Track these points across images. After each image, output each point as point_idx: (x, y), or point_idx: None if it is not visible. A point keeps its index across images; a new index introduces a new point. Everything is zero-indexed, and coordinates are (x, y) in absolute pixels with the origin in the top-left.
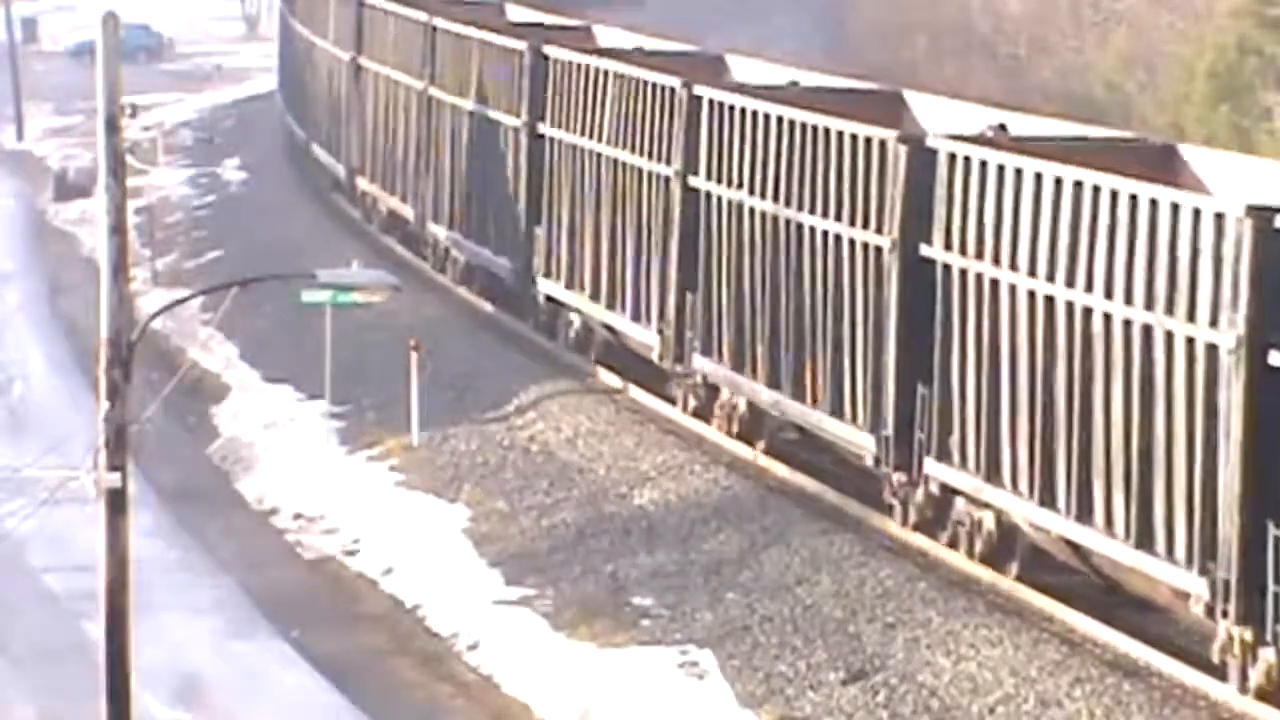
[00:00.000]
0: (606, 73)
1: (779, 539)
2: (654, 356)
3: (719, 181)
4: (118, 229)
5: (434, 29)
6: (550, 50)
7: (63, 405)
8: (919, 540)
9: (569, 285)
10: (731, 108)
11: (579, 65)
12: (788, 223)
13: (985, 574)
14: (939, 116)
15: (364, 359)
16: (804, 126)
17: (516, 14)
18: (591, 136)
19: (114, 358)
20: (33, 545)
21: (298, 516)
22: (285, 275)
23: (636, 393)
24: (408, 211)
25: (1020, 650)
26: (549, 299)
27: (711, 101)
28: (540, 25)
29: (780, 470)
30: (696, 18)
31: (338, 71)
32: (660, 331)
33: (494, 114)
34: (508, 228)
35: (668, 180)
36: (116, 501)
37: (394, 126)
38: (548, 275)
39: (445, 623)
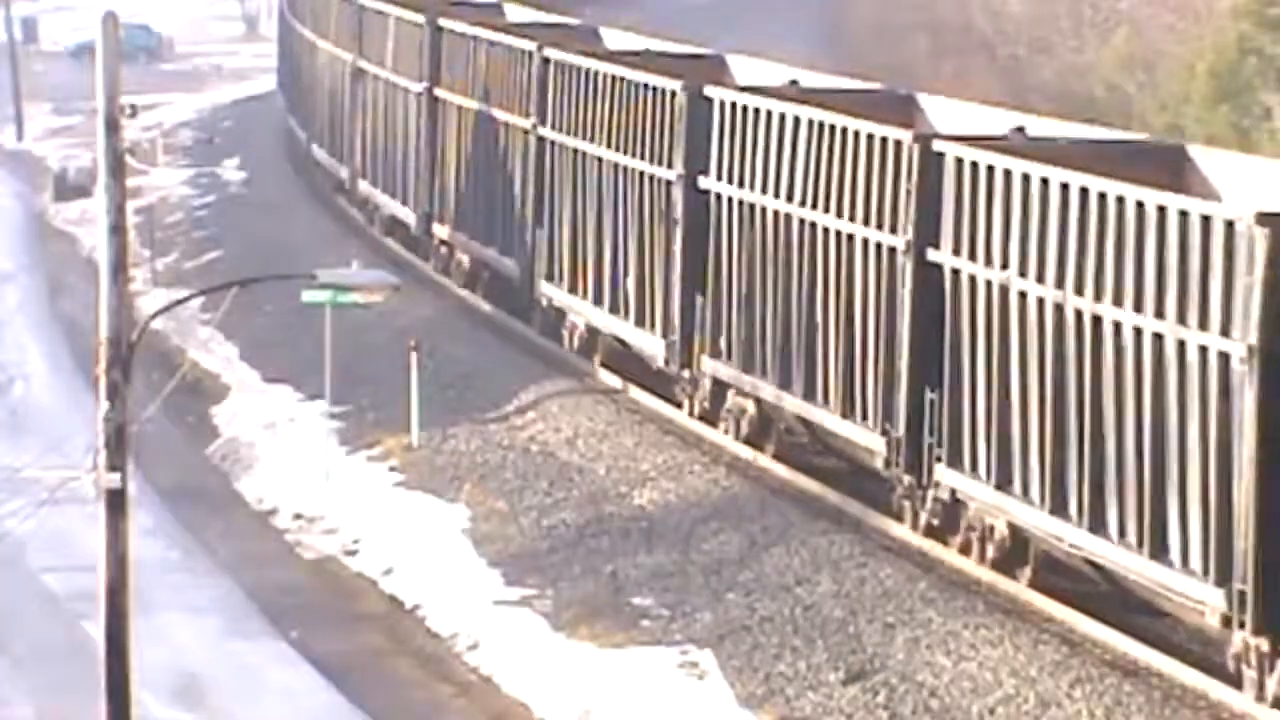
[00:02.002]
0: (606, 75)
1: (779, 539)
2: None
3: (729, 182)
4: (118, 229)
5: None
6: (550, 53)
7: (63, 405)
8: (919, 540)
9: (572, 290)
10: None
11: (579, 68)
12: (801, 222)
13: (986, 574)
14: (951, 118)
15: (364, 359)
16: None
17: (516, 14)
18: (592, 140)
19: (114, 358)
20: (33, 545)
21: (297, 516)
22: (285, 275)
23: (638, 393)
24: (409, 217)
25: (1020, 650)
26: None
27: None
28: (546, 26)
29: (780, 470)
30: (695, 18)
31: (340, 74)
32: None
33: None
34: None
35: (669, 184)
36: (116, 501)
37: (393, 130)
38: (550, 279)
39: (445, 623)
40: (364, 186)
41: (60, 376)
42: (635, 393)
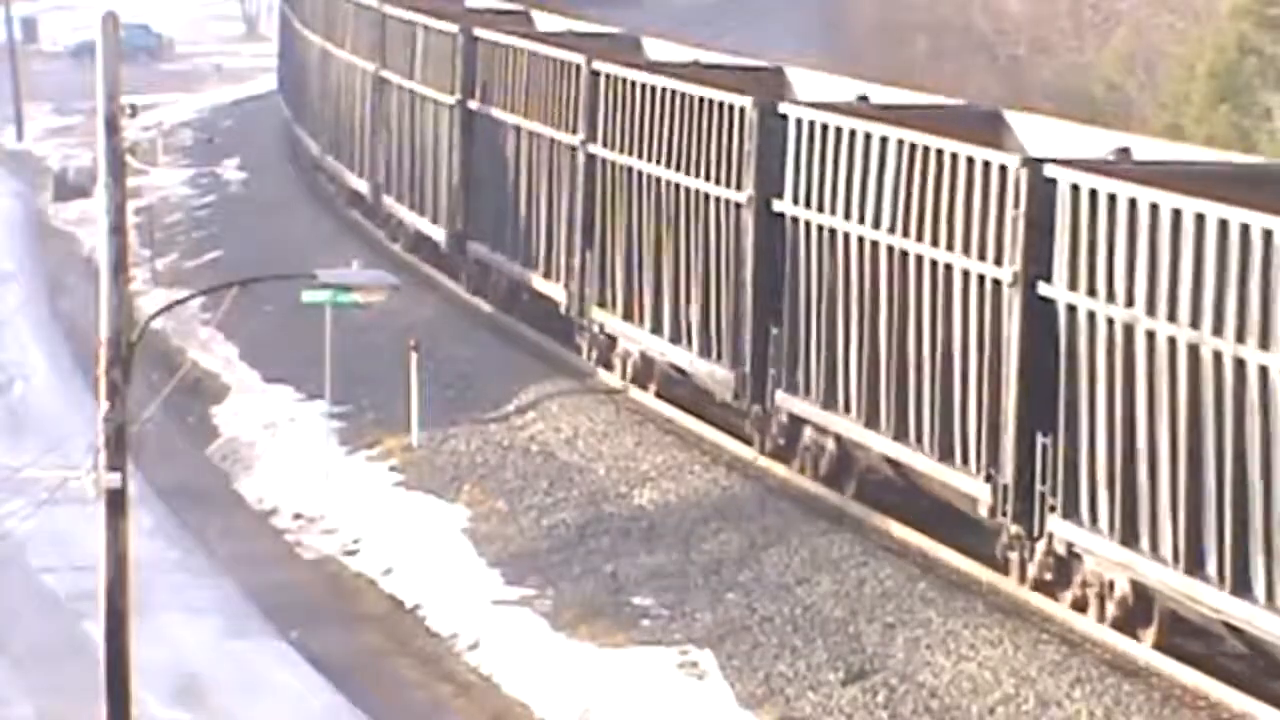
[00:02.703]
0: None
1: (779, 539)
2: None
3: (808, 206)
4: (118, 229)
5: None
6: (601, 65)
7: (63, 405)
8: (919, 541)
9: (627, 316)
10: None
11: (634, 82)
12: (890, 250)
13: (986, 574)
14: (1043, 137)
15: (364, 359)
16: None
17: (544, 21)
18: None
19: (114, 358)
20: (33, 545)
21: (297, 516)
22: (285, 275)
23: (637, 393)
24: (438, 235)
25: (1020, 650)
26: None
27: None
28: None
29: (780, 470)
30: (694, 19)
31: (361, 85)
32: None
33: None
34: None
35: (739, 206)
36: (116, 501)
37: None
38: (602, 305)
39: (445, 623)
40: (388, 202)
41: (60, 376)
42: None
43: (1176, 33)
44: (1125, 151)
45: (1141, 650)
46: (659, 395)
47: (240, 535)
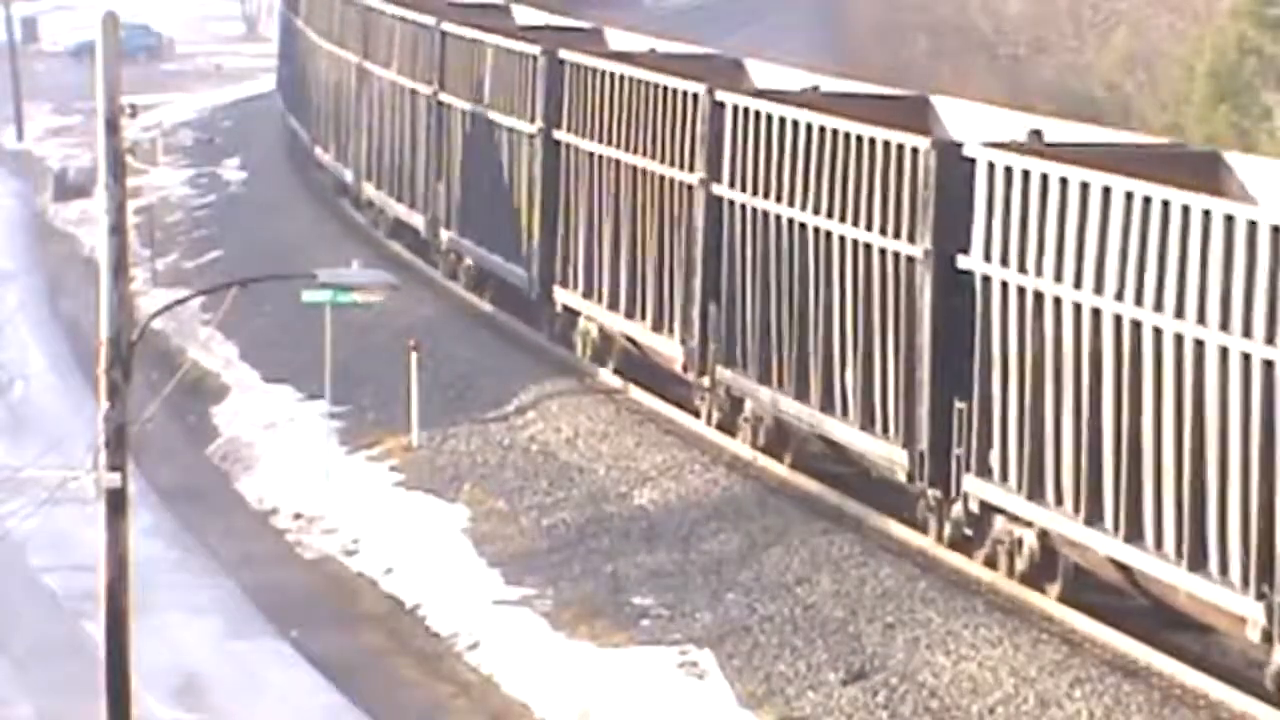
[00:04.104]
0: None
1: (779, 539)
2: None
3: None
4: (118, 229)
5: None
6: (726, 97)
7: (63, 405)
8: (919, 540)
9: (763, 380)
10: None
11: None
12: (1117, 318)
13: (985, 574)
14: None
15: (364, 359)
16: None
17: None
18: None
19: (114, 358)
20: (33, 545)
21: (297, 516)
22: (285, 275)
23: (637, 393)
24: (520, 279)
25: (1020, 650)
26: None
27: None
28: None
29: (780, 470)
30: (694, 19)
31: (404, 105)
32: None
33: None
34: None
35: (912, 261)
36: (116, 501)
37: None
38: (729, 364)
39: (445, 623)
40: (447, 237)
41: (60, 376)
42: (636, 392)
43: (1176, 33)
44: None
45: (1142, 650)
46: (793, 466)
47: (240, 535)
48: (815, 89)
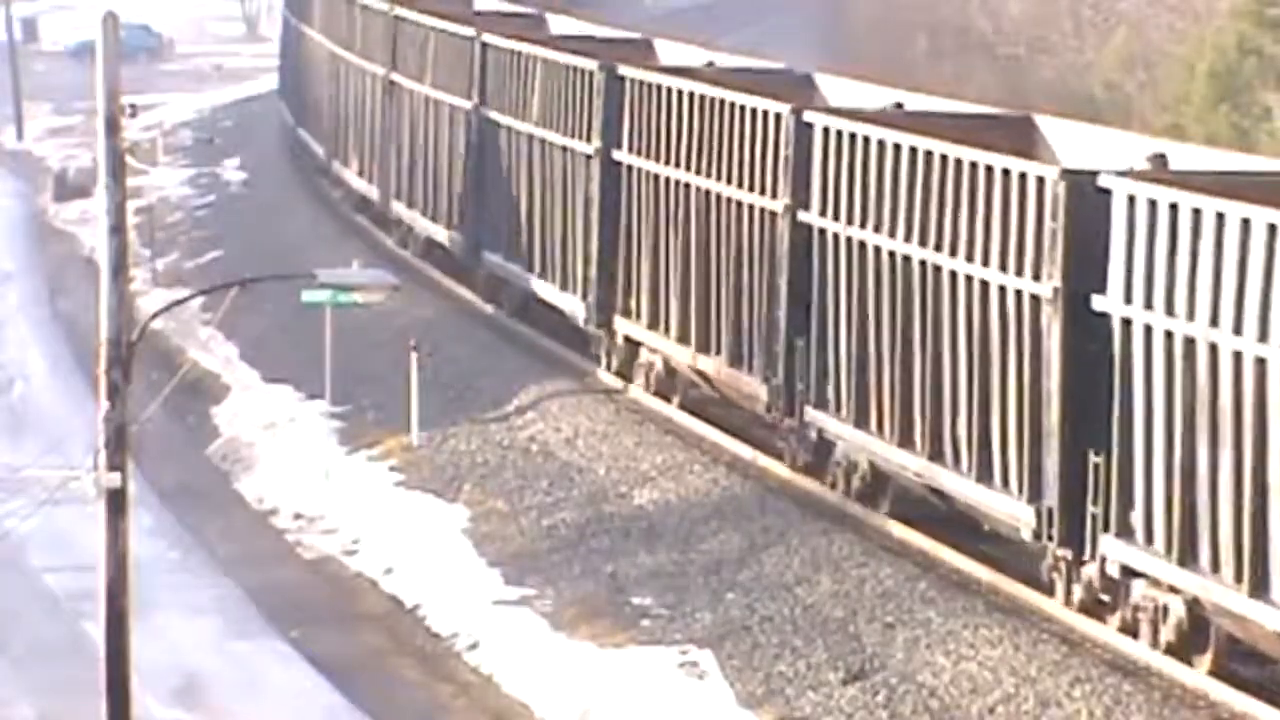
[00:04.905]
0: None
1: (779, 539)
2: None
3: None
4: (118, 229)
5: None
6: (816, 117)
7: (63, 405)
8: (919, 541)
9: (859, 424)
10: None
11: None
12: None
13: (985, 574)
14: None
15: (364, 359)
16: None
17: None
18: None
19: (114, 358)
20: (33, 545)
21: (297, 516)
22: (285, 275)
23: (637, 392)
24: (576, 309)
25: (1020, 650)
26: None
27: None
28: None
29: (780, 470)
30: (692, 19)
31: (450, 123)
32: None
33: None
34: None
35: (1037, 299)
36: (116, 501)
37: None
38: (822, 406)
39: (445, 623)
40: (496, 261)
41: (60, 377)
42: (635, 392)
43: (1176, 33)
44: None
45: (1142, 650)
46: (892, 516)
47: (240, 535)
48: (899, 106)
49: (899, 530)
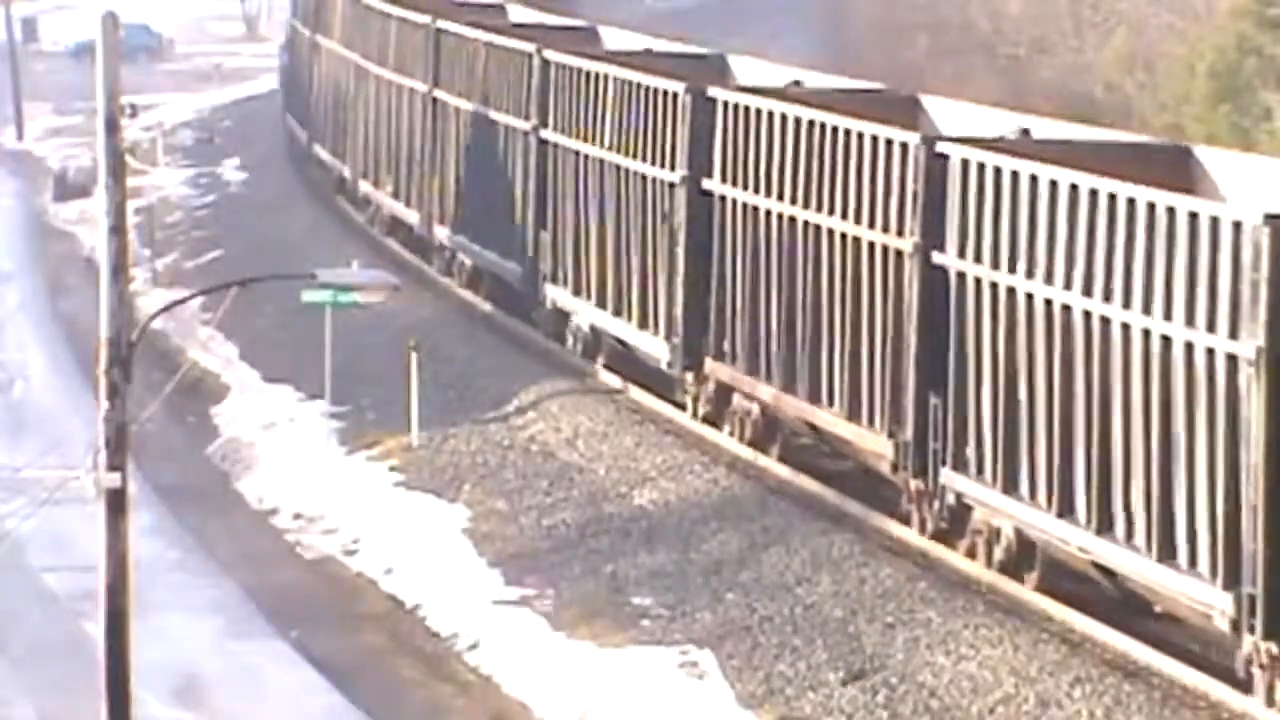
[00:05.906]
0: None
1: (779, 539)
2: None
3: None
4: (117, 229)
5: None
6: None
7: (63, 405)
8: (919, 541)
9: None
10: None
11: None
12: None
13: (985, 574)
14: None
15: (364, 359)
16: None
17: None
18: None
19: (114, 358)
20: (33, 545)
21: (297, 516)
22: (285, 275)
23: (637, 393)
24: (658, 352)
25: (1020, 650)
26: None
27: None
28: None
29: (781, 470)
30: (692, 20)
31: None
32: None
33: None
34: None
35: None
36: (116, 501)
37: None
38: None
39: (445, 623)
40: (553, 293)
41: (60, 376)
42: (635, 392)
43: (1176, 33)
44: (1025, 132)
45: (1142, 650)
46: (1040, 589)
47: (240, 535)
48: (1025, 132)
49: (899, 530)
